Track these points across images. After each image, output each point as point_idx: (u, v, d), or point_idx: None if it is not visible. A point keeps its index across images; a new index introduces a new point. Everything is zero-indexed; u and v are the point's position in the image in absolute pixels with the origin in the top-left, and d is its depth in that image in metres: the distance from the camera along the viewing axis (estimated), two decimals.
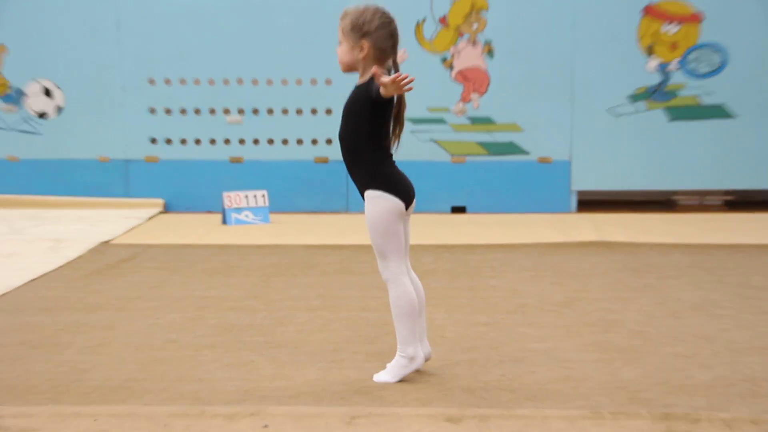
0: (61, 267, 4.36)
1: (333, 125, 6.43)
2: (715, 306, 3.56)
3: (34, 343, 3.07)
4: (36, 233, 5.32)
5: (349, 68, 2.61)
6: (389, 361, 2.76)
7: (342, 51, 2.59)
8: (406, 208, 2.60)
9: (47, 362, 2.86)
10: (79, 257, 4.62)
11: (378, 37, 2.55)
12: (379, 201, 2.56)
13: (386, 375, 2.62)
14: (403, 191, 2.58)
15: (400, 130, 2.64)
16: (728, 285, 3.93)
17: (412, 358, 2.60)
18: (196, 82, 6.45)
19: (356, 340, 3.07)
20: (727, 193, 6.52)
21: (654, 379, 2.67)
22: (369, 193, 2.57)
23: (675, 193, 6.58)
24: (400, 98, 2.59)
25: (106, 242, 5.09)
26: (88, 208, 6.23)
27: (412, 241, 5.04)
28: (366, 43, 2.55)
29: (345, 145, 2.61)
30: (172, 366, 2.80)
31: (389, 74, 2.60)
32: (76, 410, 2.41)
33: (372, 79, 2.51)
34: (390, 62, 2.61)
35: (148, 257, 4.66)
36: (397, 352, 2.61)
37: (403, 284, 2.55)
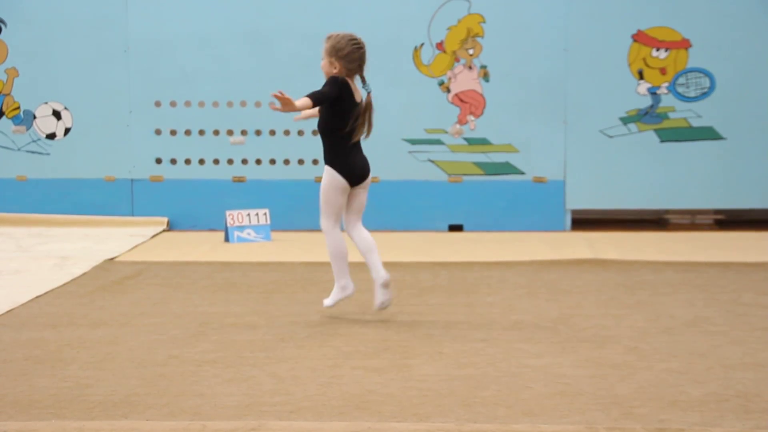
0: (66, 284, 4.34)
1: None
2: (708, 323, 3.54)
3: (39, 359, 3.04)
4: (42, 251, 5.31)
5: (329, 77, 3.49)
6: (388, 376, 2.77)
7: (324, 64, 3.50)
8: (352, 185, 3.50)
9: (51, 377, 2.83)
10: (84, 274, 4.60)
11: (347, 59, 3.45)
12: (328, 174, 3.49)
13: (328, 300, 3.57)
14: (348, 172, 3.48)
15: (369, 130, 3.53)
16: (720, 302, 3.91)
17: (343, 288, 3.55)
18: (201, 104, 6.48)
19: (355, 355, 3.05)
20: (717, 212, 6.52)
21: (648, 395, 2.65)
22: (325, 167, 3.50)
23: (667, 212, 6.58)
24: (368, 103, 3.51)
25: (111, 260, 5.07)
26: (94, 227, 6.23)
27: (409, 259, 5.06)
28: (338, 63, 3.45)
29: (319, 131, 3.54)
30: (174, 381, 2.78)
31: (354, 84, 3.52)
32: (78, 425, 2.39)
33: (340, 77, 3.45)
34: (357, 75, 3.51)
35: (152, 274, 4.64)
36: (335, 283, 3.56)
37: (332, 236, 3.51)
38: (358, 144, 3.51)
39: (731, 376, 2.83)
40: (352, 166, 3.48)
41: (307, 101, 3.36)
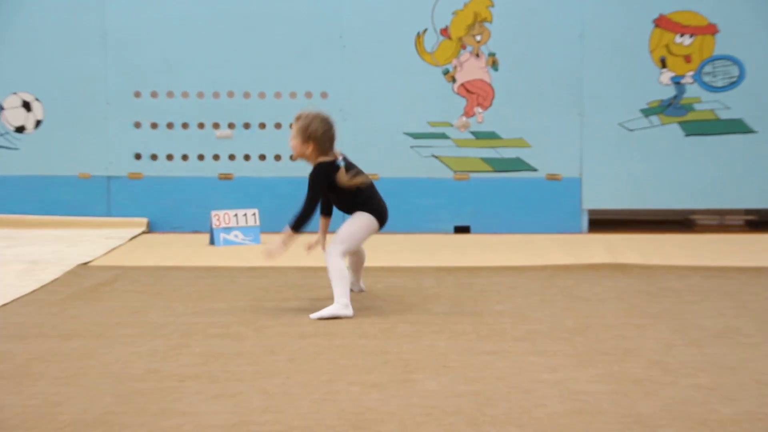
0: (35, 291, 4.31)
1: None
2: (739, 333, 3.52)
3: (4, 374, 3.01)
4: (10, 254, 5.28)
5: (301, 157, 3.85)
6: (389, 392, 2.74)
7: (295, 144, 3.83)
8: (380, 228, 3.92)
9: (17, 395, 2.80)
10: (56, 280, 4.57)
11: (320, 140, 3.80)
12: (364, 216, 3.87)
13: (325, 312, 3.69)
14: (380, 214, 3.89)
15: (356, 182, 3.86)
16: (752, 311, 3.88)
17: (345, 305, 3.73)
18: (185, 95, 6.45)
19: (352, 370, 3.02)
20: (748, 212, 6.49)
21: (674, 413, 2.62)
22: (360, 212, 3.88)
23: (693, 212, 6.55)
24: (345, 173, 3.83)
25: (85, 264, 5.05)
26: (67, 228, 6.20)
27: (411, 263, 5.07)
28: (311, 143, 3.80)
29: (341, 209, 3.93)
30: (153, 398, 2.75)
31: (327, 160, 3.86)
32: None
33: (317, 165, 3.81)
34: (330, 153, 3.84)
35: (130, 280, 4.62)
36: (335, 301, 3.72)
37: (338, 261, 3.78)
38: (375, 188, 3.92)
39: (766, 392, 2.80)
40: (382, 209, 3.89)
41: (300, 219, 3.77)
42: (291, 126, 3.89)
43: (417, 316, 3.80)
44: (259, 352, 3.25)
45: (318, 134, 3.78)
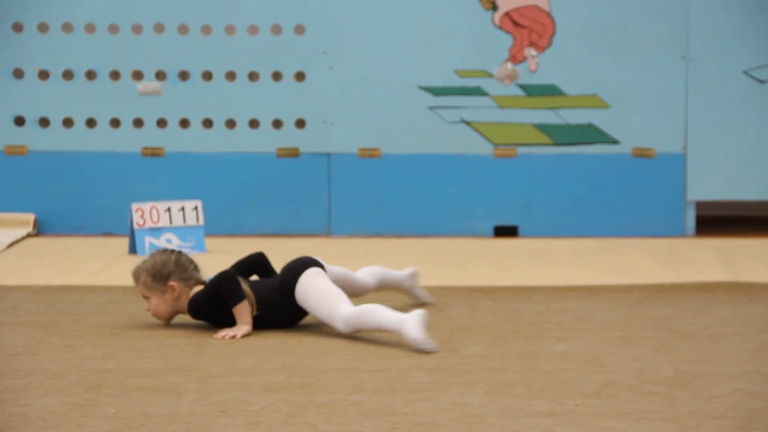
0: None
1: (306, 97, 6.44)
2: None
3: None
4: None
5: (174, 314, 4.19)
6: None
7: (155, 304, 4.16)
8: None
9: None
10: None
11: (177, 270, 4.12)
12: (306, 281, 4.17)
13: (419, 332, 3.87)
14: (295, 269, 4.23)
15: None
16: None
17: (405, 320, 3.89)
18: (90, 29, 6.48)
19: None
20: None
21: None
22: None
23: None
24: None
25: None
26: None
27: (433, 281, 5.08)
28: (176, 283, 4.11)
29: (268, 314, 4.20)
30: None
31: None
32: None
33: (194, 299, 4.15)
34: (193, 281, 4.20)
35: (9, 306, 4.64)
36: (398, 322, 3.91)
37: (352, 314, 4.03)
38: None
39: None
40: (291, 268, 4.21)
41: (247, 300, 4.11)
42: (140, 289, 4.14)
43: (438, 360, 3.82)
44: (205, 412, 3.28)
45: (171, 266, 4.09)
